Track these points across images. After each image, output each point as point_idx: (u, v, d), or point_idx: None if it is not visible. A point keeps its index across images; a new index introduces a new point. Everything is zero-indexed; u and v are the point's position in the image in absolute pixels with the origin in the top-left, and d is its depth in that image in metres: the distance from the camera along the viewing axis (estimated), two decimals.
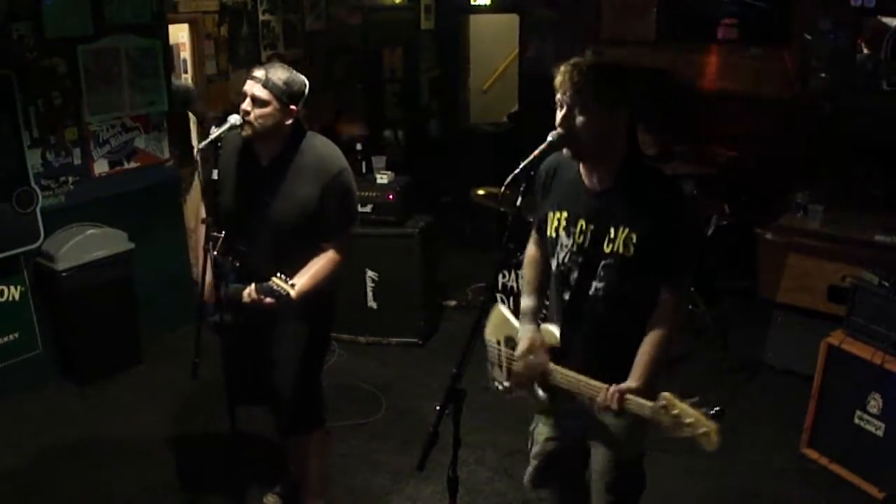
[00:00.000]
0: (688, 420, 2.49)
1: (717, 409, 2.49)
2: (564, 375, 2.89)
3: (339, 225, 3.54)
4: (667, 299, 2.75)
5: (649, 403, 2.60)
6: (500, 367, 3.20)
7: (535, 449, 3.29)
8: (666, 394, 2.56)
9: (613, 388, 2.69)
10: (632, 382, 2.71)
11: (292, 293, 3.30)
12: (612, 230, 2.73)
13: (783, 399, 5.29)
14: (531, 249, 3.20)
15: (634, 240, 2.68)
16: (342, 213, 3.53)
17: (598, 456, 3.04)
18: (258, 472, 4.41)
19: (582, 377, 2.82)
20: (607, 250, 2.74)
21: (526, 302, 3.12)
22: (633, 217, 2.70)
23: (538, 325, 3.04)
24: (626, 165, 2.75)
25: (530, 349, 2.98)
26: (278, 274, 3.32)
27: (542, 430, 3.25)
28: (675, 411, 2.51)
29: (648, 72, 7.99)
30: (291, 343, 3.63)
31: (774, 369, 5.65)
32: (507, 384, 3.16)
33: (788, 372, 5.51)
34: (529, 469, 3.35)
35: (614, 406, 2.68)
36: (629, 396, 2.66)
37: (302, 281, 3.41)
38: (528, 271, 3.20)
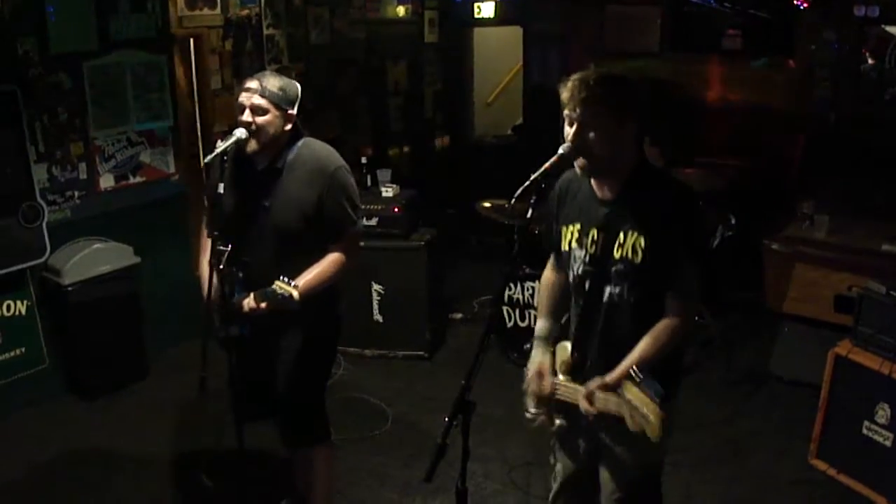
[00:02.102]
0: (640, 409, 2.49)
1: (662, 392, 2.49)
2: (566, 388, 2.90)
3: (341, 224, 3.53)
4: (672, 306, 2.73)
5: (613, 398, 2.61)
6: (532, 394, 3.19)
7: (557, 474, 3.28)
8: (627, 364, 2.60)
9: (584, 389, 2.72)
10: (603, 378, 2.71)
11: (295, 294, 3.27)
12: (621, 235, 2.72)
13: (790, 410, 5.27)
14: (548, 272, 3.20)
15: (643, 244, 2.67)
16: (342, 212, 3.51)
17: (605, 476, 3.02)
18: (264, 485, 4.41)
19: (578, 385, 2.82)
20: (617, 255, 2.73)
21: (539, 324, 3.13)
22: (642, 222, 2.69)
23: (551, 349, 3.04)
24: (636, 173, 2.76)
25: (539, 373, 3.00)
26: (281, 277, 3.30)
27: (561, 455, 3.24)
28: (633, 400, 2.51)
29: (653, 83, 8.00)
30: (296, 356, 3.62)
31: (781, 380, 5.63)
32: (533, 411, 3.15)
33: (795, 383, 5.49)
34: (552, 493, 3.34)
35: (585, 406, 2.70)
36: (597, 394, 2.68)
37: (305, 280, 3.39)
38: (542, 294, 3.20)
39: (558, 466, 3.26)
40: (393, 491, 4.55)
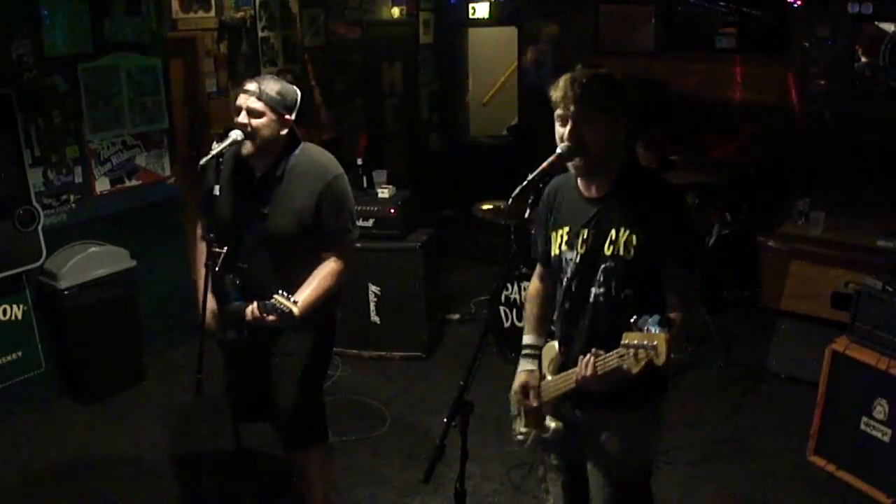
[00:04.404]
0: (643, 342, 2.43)
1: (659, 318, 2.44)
2: (554, 383, 2.89)
3: (337, 232, 3.53)
4: (672, 303, 2.72)
5: (612, 356, 2.55)
6: (520, 415, 3.16)
7: (551, 479, 3.27)
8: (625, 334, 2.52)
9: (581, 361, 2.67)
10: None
11: (295, 311, 3.27)
12: (612, 232, 2.71)
13: (788, 407, 5.27)
14: (534, 284, 3.19)
15: (634, 242, 2.67)
16: (339, 220, 3.52)
17: (596, 477, 3.01)
18: (262, 487, 4.40)
19: (568, 372, 2.80)
20: (608, 252, 2.72)
21: (525, 339, 3.12)
22: (633, 219, 2.69)
23: (536, 362, 3.04)
24: (626, 172, 2.76)
25: (524, 388, 3.00)
26: (280, 291, 3.30)
27: (552, 460, 3.23)
28: (634, 341, 2.45)
29: (647, 82, 8.01)
30: (293, 358, 3.61)
31: (779, 377, 5.63)
32: (523, 431, 3.14)
33: (793, 379, 5.50)
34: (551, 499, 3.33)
35: (588, 372, 2.63)
36: (594, 360, 2.61)
37: (304, 296, 3.39)
38: (529, 308, 3.20)
39: (551, 475, 3.26)
40: (391, 492, 4.54)
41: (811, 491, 4.50)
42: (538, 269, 3.18)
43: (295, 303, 3.28)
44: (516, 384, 3.04)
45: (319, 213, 3.44)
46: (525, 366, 3.05)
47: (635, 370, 2.46)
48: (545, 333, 3.11)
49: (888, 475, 4.27)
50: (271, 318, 3.32)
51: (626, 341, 2.47)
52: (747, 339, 6.16)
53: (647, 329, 2.44)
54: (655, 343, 2.40)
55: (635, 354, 2.44)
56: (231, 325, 3.45)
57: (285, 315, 3.27)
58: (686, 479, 4.56)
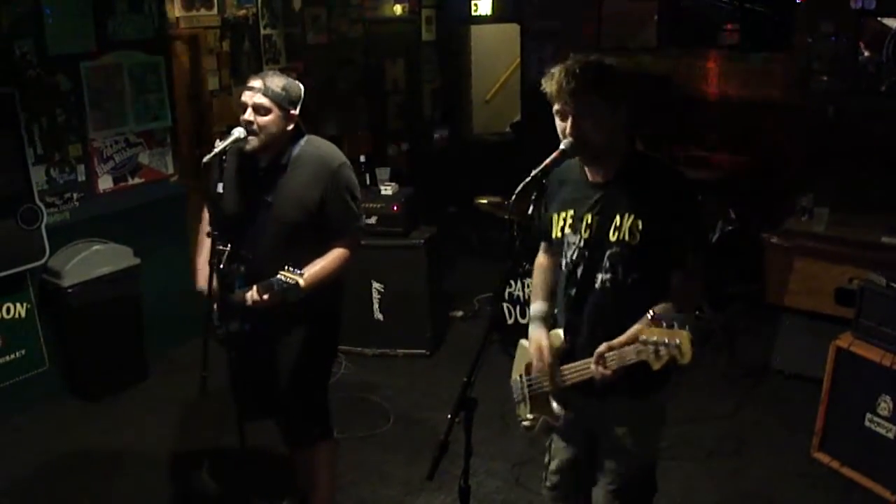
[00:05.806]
0: (664, 340, 2.43)
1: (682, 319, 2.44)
2: (571, 370, 2.86)
3: (345, 221, 3.55)
4: (678, 282, 2.71)
5: (628, 346, 2.55)
6: (524, 401, 3.13)
7: (554, 464, 3.26)
8: (638, 326, 2.53)
9: (594, 357, 2.66)
10: (609, 343, 2.64)
11: (301, 282, 3.26)
12: (617, 218, 2.71)
13: (792, 403, 5.27)
14: (541, 257, 3.20)
15: (640, 226, 2.67)
16: (347, 209, 3.54)
17: (606, 464, 3.02)
18: (266, 485, 4.40)
19: (584, 362, 2.78)
20: (613, 238, 2.72)
21: (536, 306, 3.10)
22: (637, 204, 2.69)
23: (547, 329, 3.00)
24: (629, 158, 2.76)
25: (540, 349, 2.94)
26: (286, 266, 3.29)
27: (558, 444, 3.23)
28: (654, 338, 2.45)
29: (651, 78, 7.99)
30: (297, 354, 3.62)
31: (783, 374, 5.63)
32: (530, 417, 3.12)
33: (797, 376, 5.49)
34: (548, 484, 3.31)
35: (600, 371, 2.64)
36: (607, 354, 2.62)
37: (311, 272, 3.39)
38: (537, 277, 3.19)
39: (555, 462, 3.25)
40: (395, 489, 4.54)
41: (815, 487, 4.50)
42: (543, 245, 3.17)
43: (301, 275, 3.28)
44: (533, 347, 2.98)
45: (326, 201, 3.46)
46: (538, 331, 3.00)
47: (656, 366, 2.46)
48: (553, 301, 3.08)
49: (892, 471, 4.27)
50: (266, 296, 3.32)
51: (644, 336, 2.47)
52: (751, 335, 6.16)
53: (671, 326, 2.43)
54: (678, 342, 2.41)
55: (656, 351, 2.45)
56: (233, 315, 3.44)
57: (290, 287, 3.26)
58: (689, 476, 4.56)
